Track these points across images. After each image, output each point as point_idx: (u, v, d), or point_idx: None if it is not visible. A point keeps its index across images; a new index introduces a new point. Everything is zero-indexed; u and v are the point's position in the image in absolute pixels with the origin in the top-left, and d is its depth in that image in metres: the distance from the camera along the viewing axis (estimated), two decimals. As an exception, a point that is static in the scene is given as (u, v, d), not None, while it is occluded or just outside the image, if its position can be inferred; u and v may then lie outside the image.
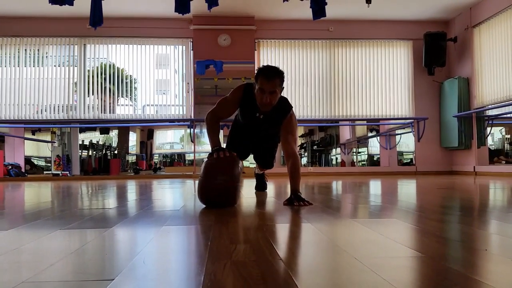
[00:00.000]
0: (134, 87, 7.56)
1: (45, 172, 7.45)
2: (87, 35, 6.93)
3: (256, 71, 2.23)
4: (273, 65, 2.26)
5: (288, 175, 2.23)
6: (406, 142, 7.89)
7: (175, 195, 3.12)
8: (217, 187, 2.04)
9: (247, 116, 2.42)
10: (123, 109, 7.58)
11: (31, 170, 7.45)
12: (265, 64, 2.27)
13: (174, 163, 10.43)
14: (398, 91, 7.27)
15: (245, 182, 4.52)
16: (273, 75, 2.16)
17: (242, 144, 2.62)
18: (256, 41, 7.10)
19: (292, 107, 2.41)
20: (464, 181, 4.67)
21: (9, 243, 1.22)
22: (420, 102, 7.21)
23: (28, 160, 7.54)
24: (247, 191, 3.24)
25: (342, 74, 7.22)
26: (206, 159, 2.20)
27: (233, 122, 2.70)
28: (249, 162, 6.44)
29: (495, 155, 7.24)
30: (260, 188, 3.12)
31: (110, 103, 7.34)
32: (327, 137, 9.18)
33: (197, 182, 2.19)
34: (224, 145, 2.31)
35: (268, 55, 7.15)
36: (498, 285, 0.76)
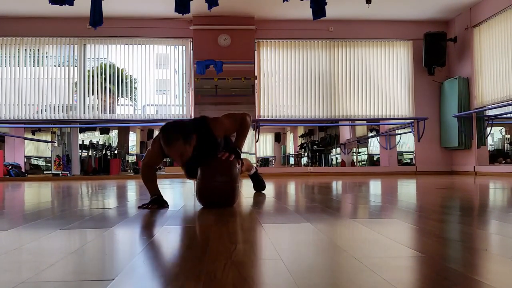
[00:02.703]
0: (134, 87, 7.56)
1: (45, 172, 7.45)
2: (87, 35, 6.93)
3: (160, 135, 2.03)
4: (177, 119, 2.06)
5: None
6: (406, 142, 7.88)
7: (175, 195, 3.12)
8: (215, 188, 2.04)
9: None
10: (123, 109, 7.58)
11: (31, 170, 7.46)
12: (165, 125, 2.03)
13: (174, 163, 10.42)
14: (398, 91, 7.27)
15: (245, 182, 4.52)
16: (172, 141, 1.95)
17: (193, 169, 2.37)
18: (256, 41, 7.10)
19: (206, 121, 2.19)
20: (464, 181, 4.67)
21: (9, 243, 1.22)
22: (420, 102, 7.22)
23: (28, 159, 7.54)
24: (247, 191, 3.24)
25: (342, 74, 7.22)
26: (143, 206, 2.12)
27: None
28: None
29: (497, 157, 7.23)
30: (259, 187, 3.08)
31: (110, 103, 7.34)
32: (327, 137, 9.18)
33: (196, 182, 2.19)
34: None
35: (268, 55, 7.15)
36: (498, 285, 0.76)
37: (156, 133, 10.26)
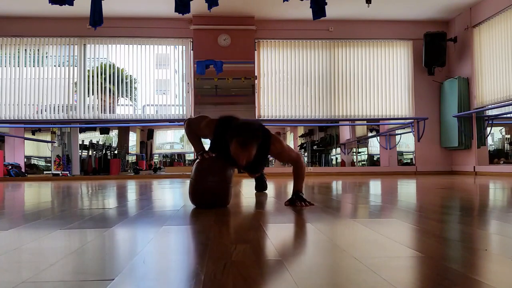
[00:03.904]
0: (134, 87, 7.56)
1: (45, 172, 7.45)
2: (87, 35, 6.93)
3: (230, 131, 1.98)
4: (251, 119, 2.04)
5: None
6: (406, 142, 7.89)
7: (175, 195, 3.12)
8: (208, 189, 2.04)
9: (226, 158, 2.15)
10: (123, 109, 7.58)
11: (31, 170, 7.46)
12: (242, 124, 2.00)
13: (174, 163, 10.44)
14: (398, 91, 7.27)
15: (245, 182, 4.52)
16: (248, 146, 1.94)
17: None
18: (256, 41, 7.10)
19: (270, 136, 2.17)
20: (464, 181, 4.67)
21: (9, 243, 1.22)
22: (420, 102, 7.22)
23: (28, 159, 7.54)
24: (247, 191, 3.24)
25: (342, 74, 7.22)
26: (197, 159, 2.16)
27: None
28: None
29: (496, 157, 7.23)
30: (260, 188, 3.09)
31: (110, 103, 7.35)
32: (327, 137, 9.18)
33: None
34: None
35: (268, 55, 7.15)
36: (498, 285, 0.76)
37: (156, 133, 10.26)
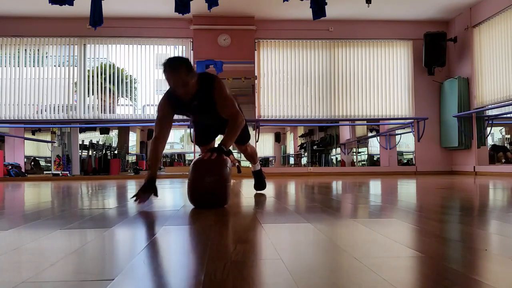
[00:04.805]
0: (134, 87, 7.56)
1: (45, 172, 7.45)
2: (87, 35, 6.93)
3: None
4: (179, 55, 2.16)
5: None
6: (406, 142, 7.89)
7: (175, 195, 3.12)
8: (206, 188, 2.03)
9: (185, 112, 2.35)
10: (123, 109, 7.58)
11: (31, 170, 7.46)
12: (169, 57, 2.12)
13: (174, 163, 10.43)
14: (398, 91, 7.27)
15: (244, 182, 4.52)
16: (174, 69, 2.03)
17: (205, 133, 2.69)
18: (256, 41, 7.10)
19: (214, 77, 2.24)
20: (464, 181, 4.67)
21: (9, 243, 1.22)
22: (420, 102, 7.22)
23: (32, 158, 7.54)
24: (247, 191, 3.24)
25: (342, 74, 7.22)
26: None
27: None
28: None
29: (499, 151, 7.22)
30: (259, 187, 3.06)
31: (110, 103, 7.35)
32: (327, 137, 9.18)
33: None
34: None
35: (268, 55, 7.15)
36: (498, 285, 0.76)
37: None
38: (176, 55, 7.23)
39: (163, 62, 2.07)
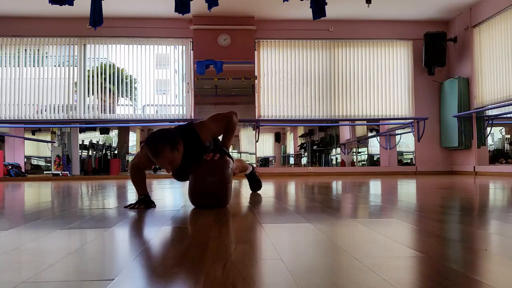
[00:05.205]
0: (134, 87, 7.56)
1: (45, 172, 7.45)
2: (87, 35, 6.93)
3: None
4: (162, 129, 2.01)
5: None
6: (406, 142, 7.88)
7: (175, 195, 3.12)
8: (207, 188, 2.03)
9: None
10: (123, 109, 7.58)
11: (31, 170, 7.45)
12: (148, 136, 1.96)
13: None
14: (398, 91, 7.27)
15: (245, 182, 4.52)
16: (159, 152, 1.91)
17: (183, 172, 2.34)
18: (256, 41, 7.10)
19: (193, 126, 2.14)
20: (464, 181, 4.67)
21: (9, 243, 1.22)
22: (420, 102, 7.22)
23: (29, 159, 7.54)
24: (247, 191, 3.24)
25: (342, 74, 7.22)
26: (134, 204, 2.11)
27: None
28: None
29: (498, 158, 7.22)
30: (255, 187, 3.06)
31: (110, 103, 7.34)
32: (327, 137, 9.17)
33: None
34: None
35: (268, 55, 7.16)
36: (498, 285, 0.76)
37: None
38: (176, 55, 7.23)
39: (146, 139, 1.95)
